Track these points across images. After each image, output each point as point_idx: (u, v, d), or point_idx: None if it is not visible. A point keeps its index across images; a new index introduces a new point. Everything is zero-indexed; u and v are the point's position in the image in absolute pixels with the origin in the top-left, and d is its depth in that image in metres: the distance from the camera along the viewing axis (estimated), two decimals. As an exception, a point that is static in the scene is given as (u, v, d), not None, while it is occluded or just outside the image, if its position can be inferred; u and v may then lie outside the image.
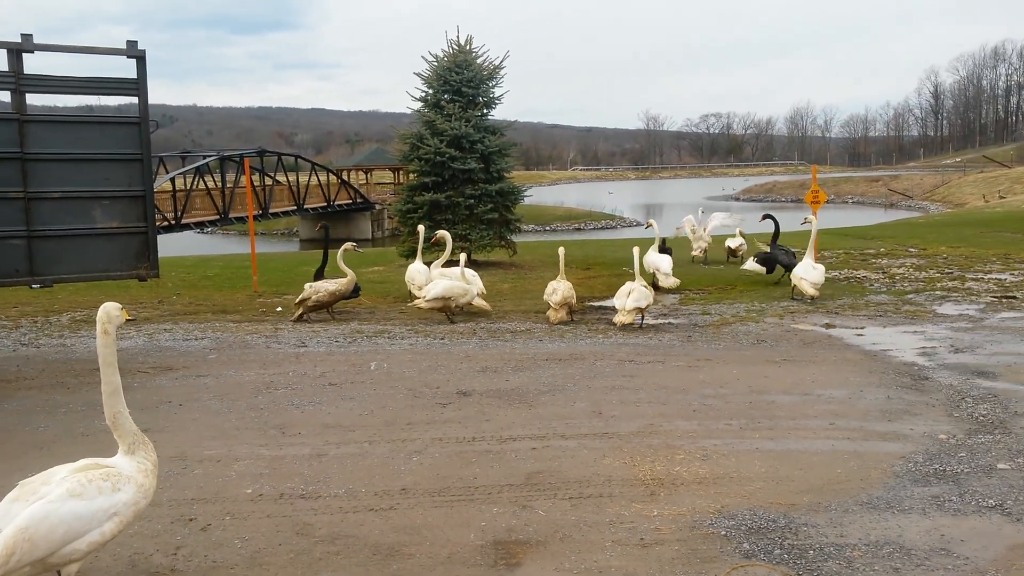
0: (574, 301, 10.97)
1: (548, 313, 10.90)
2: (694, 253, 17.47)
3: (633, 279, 10.27)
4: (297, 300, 11.09)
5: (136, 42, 9.07)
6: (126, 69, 9.11)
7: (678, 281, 12.87)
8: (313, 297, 10.88)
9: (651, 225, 14.03)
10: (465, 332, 10.10)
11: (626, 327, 10.10)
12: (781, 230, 14.62)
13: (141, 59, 9.07)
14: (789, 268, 12.88)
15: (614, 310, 11.49)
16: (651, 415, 6.41)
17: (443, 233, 12.30)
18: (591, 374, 7.75)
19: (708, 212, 18.98)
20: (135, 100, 9.24)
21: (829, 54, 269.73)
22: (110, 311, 3.86)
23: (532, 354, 8.71)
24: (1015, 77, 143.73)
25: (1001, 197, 46.92)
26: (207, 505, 4.81)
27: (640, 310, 10.02)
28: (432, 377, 7.74)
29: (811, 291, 11.61)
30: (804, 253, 12.36)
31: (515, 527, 4.44)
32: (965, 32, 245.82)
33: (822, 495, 4.80)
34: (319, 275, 12.14)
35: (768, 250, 14.00)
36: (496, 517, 4.56)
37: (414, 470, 5.32)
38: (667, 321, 10.77)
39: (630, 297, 9.93)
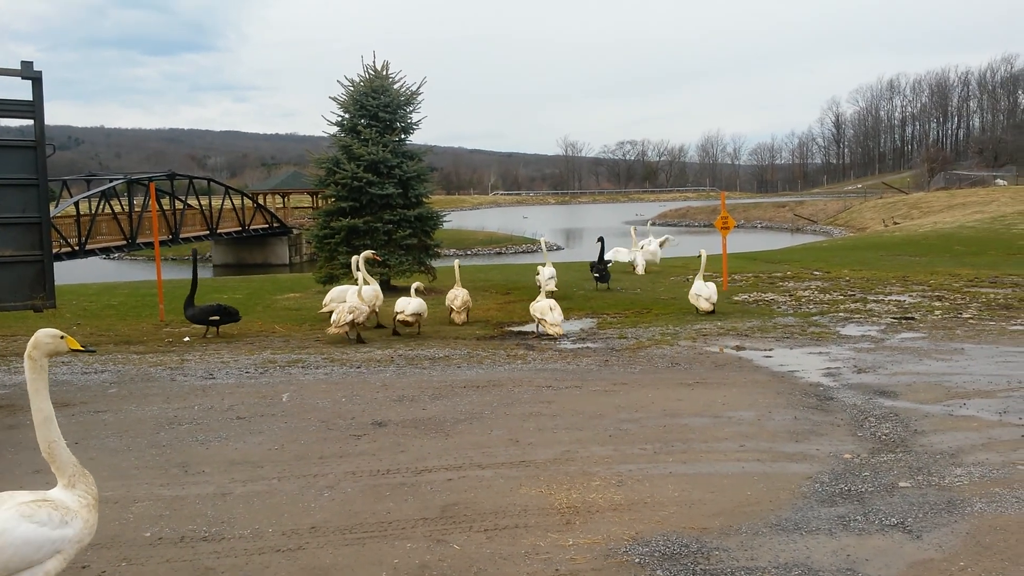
0: (470, 305, 13.07)
1: (452, 317, 12.85)
2: (638, 272, 19.93)
3: (545, 296, 11.80)
4: (344, 322, 11.12)
5: (32, 63, 8.67)
6: (22, 91, 8.71)
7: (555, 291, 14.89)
8: (360, 319, 11.40)
9: (542, 241, 17.09)
10: (382, 360, 9.94)
11: (546, 349, 10.23)
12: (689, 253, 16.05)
13: (37, 80, 8.66)
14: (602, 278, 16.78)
15: (533, 335, 11.68)
16: (568, 442, 6.40)
17: (365, 254, 12.72)
18: (509, 401, 7.72)
19: (644, 236, 22.41)
20: (31, 122, 8.82)
21: (737, 85, 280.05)
22: (40, 338, 3.64)
23: (450, 381, 8.62)
24: (909, 109, 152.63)
25: (895, 223, 49.41)
26: (102, 551, 4.53)
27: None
28: (347, 408, 7.56)
29: (707, 306, 13.10)
30: (696, 275, 13.97)
31: (429, 563, 4.33)
32: (863, 65, 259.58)
33: (733, 518, 4.86)
34: (190, 302, 12.06)
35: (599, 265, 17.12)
36: (410, 553, 4.45)
37: (325, 506, 5.15)
38: (585, 345, 10.86)
39: (554, 311, 11.32)
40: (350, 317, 11.12)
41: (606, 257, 18.15)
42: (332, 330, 11.26)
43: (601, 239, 17.83)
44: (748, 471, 5.67)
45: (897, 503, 5.05)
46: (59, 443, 3.58)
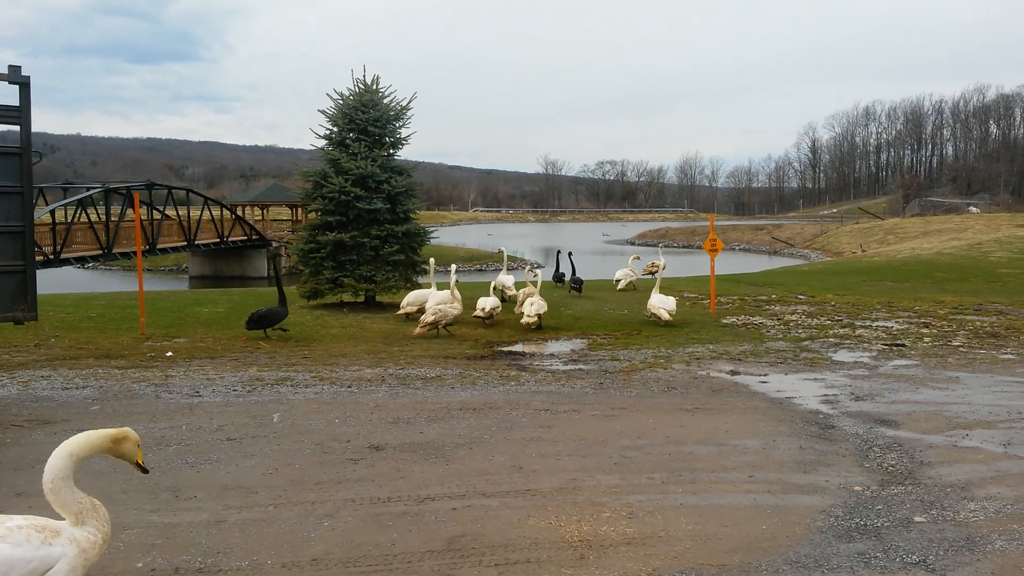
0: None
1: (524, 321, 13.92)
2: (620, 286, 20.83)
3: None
4: (430, 321, 12.87)
5: (19, 67, 8.41)
6: (8, 95, 8.44)
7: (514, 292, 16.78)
8: (443, 322, 13.06)
9: (502, 251, 18.91)
10: (373, 379, 9.71)
11: (538, 370, 10.09)
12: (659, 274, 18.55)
13: (25, 85, 8.41)
14: (572, 283, 19.31)
15: (523, 354, 11.59)
16: (572, 469, 6.23)
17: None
18: (507, 425, 7.53)
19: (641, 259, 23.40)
20: (16, 128, 8.55)
21: (715, 108, 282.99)
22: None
23: (445, 403, 8.42)
24: (884, 135, 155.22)
25: (863, 250, 49.99)
26: (90, 583, 4.28)
27: (539, 316, 13.76)
28: (341, 430, 7.34)
29: (667, 316, 14.24)
30: (653, 290, 15.12)
31: (439, 599, 4.14)
32: (839, 92, 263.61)
33: (751, 554, 4.71)
34: (283, 303, 12.96)
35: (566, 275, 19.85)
36: (418, 589, 4.25)
37: (325, 537, 4.93)
38: (578, 367, 10.70)
39: (533, 306, 13.73)
40: (432, 318, 12.87)
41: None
42: (418, 330, 12.99)
43: (559, 252, 20.70)
44: (760, 503, 5.54)
45: (915, 539, 4.93)
46: (59, 485, 3.34)
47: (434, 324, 12.92)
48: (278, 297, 13.22)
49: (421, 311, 14.42)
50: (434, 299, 13.79)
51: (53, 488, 3.31)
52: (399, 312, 15.09)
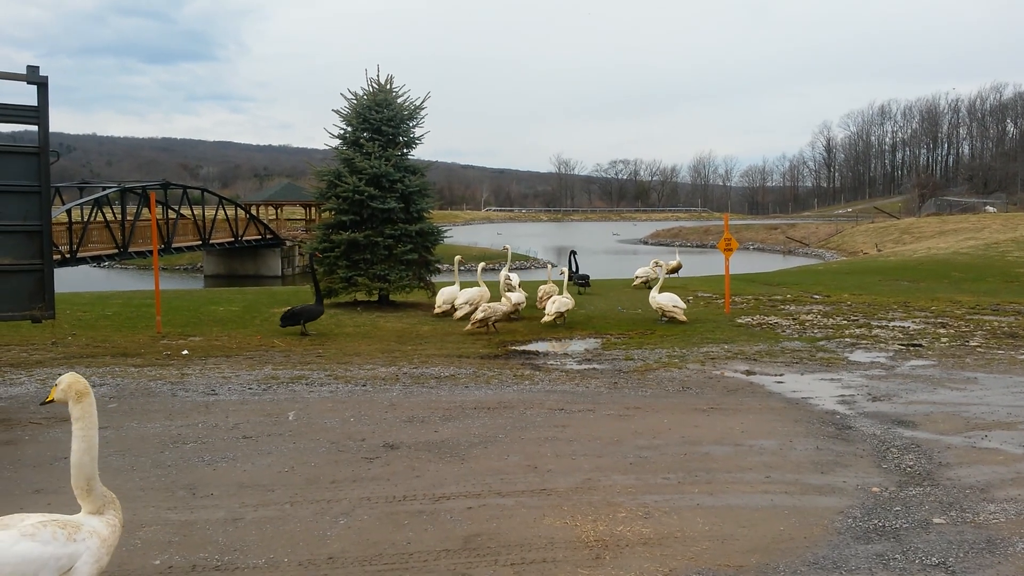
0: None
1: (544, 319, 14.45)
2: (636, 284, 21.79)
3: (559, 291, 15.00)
4: (480, 319, 13.43)
5: (38, 67, 8.48)
6: (28, 95, 8.50)
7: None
8: (493, 318, 13.62)
9: (507, 248, 19.03)
10: (387, 377, 9.73)
11: (552, 370, 10.08)
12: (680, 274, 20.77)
13: (43, 86, 8.47)
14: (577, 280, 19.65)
15: (537, 354, 11.60)
16: (588, 469, 6.22)
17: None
18: (522, 424, 7.52)
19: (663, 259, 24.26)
20: (34, 128, 8.62)
21: (729, 107, 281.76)
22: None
23: (459, 402, 8.42)
24: (900, 134, 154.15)
25: (879, 250, 49.72)
26: (108, 580, 4.31)
27: (561, 314, 14.12)
28: (356, 428, 7.35)
29: (682, 316, 14.48)
30: (655, 287, 15.34)
31: (455, 598, 4.13)
32: (854, 91, 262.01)
33: (769, 555, 4.68)
34: (319, 301, 13.91)
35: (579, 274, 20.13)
36: (434, 587, 4.25)
37: (341, 535, 4.94)
38: (592, 366, 10.68)
39: (554, 303, 14.13)
40: (481, 315, 13.45)
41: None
42: (469, 327, 13.57)
43: (568, 252, 21.33)
44: (777, 504, 5.50)
45: (935, 541, 4.89)
46: (96, 478, 3.50)
47: (484, 321, 13.45)
48: (315, 296, 14.14)
49: (453, 308, 15.39)
50: (466, 294, 14.89)
51: (88, 488, 3.48)
52: (435, 311, 15.76)
